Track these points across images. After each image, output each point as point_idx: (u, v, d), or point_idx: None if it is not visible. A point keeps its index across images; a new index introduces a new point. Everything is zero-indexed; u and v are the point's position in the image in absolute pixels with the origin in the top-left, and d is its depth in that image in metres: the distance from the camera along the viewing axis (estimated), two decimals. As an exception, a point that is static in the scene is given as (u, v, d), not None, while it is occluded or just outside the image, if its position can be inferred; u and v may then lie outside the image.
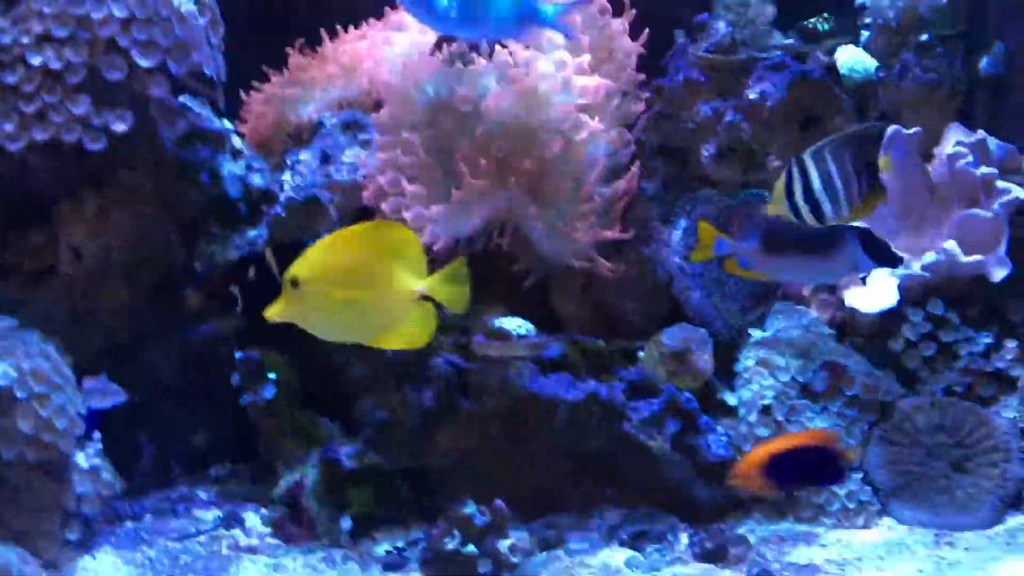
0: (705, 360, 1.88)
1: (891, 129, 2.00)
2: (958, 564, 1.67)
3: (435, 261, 1.82)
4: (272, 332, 1.98)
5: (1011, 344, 1.92)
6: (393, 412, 1.84)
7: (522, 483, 1.83)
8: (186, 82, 1.90)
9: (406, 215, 1.94)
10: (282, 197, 2.00)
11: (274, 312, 1.40)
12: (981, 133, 1.97)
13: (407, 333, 1.42)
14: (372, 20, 2.22)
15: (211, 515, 1.94)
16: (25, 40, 1.72)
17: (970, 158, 1.91)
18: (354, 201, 2.03)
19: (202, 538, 1.87)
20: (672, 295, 2.06)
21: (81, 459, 1.80)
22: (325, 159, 2.04)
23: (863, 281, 1.93)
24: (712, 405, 1.89)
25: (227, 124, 2.13)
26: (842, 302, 1.96)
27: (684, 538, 1.78)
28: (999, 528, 1.79)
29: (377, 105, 2.08)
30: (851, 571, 1.67)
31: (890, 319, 1.95)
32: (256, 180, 2.10)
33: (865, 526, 1.83)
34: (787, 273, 1.79)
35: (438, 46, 2.03)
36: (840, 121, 2.05)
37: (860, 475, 1.85)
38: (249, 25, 2.29)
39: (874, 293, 1.93)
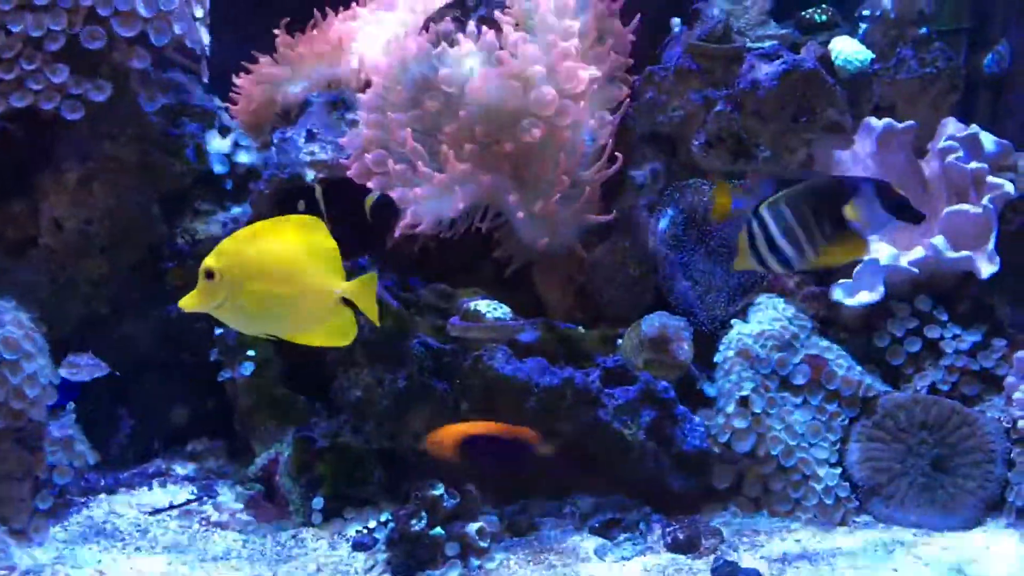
0: (684, 349, 1.86)
1: (883, 123, 1.98)
2: (936, 562, 1.64)
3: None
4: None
5: (999, 343, 1.89)
6: (367, 392, 1.82)
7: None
8: (170, 56, 1.89)
9: (391, 195, 1.93)
10: (266, 174, 2.00)
11: (188, 303, 1.36)
12: (974, 128, 1.94)
13: (331, 333, 1.41)
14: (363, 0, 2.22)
15: (186, 490, 1.94)
16: (6, 7, 1.72)
17: (960, 153, 1.88)
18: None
19: (174, 512, 1.87)
20: (657, 283, 2.04)
21: (54, 428, 1.80)
22: (311, 137, 2.03)
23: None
24: (690, 395, 1.86)
25: (216, 101, 2.13)
26: (827, 296, 1.93)
27: (657, 528, 1.75)
28: (979, 530, 1.76)
29: (366, 84, 2.08)
30: (823, 567, 1.65)
31: (876, 314, 1.92)
32: (243, 157, 2.10)
33: (842, 523, 1.80)
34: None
35: (426, 26, 2.02)
36: (833, 113, 2.02)
37: (839, 470, 1.83)
38: (242, 5, 2.29)
39: (860, 287, 1.90)
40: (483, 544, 1.68)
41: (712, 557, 1.67)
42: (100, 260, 1.95)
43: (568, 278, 2.09)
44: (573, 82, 1.93)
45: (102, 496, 1.90)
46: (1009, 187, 1.86)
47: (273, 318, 1.38)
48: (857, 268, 1.90)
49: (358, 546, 1.74)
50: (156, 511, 1.86)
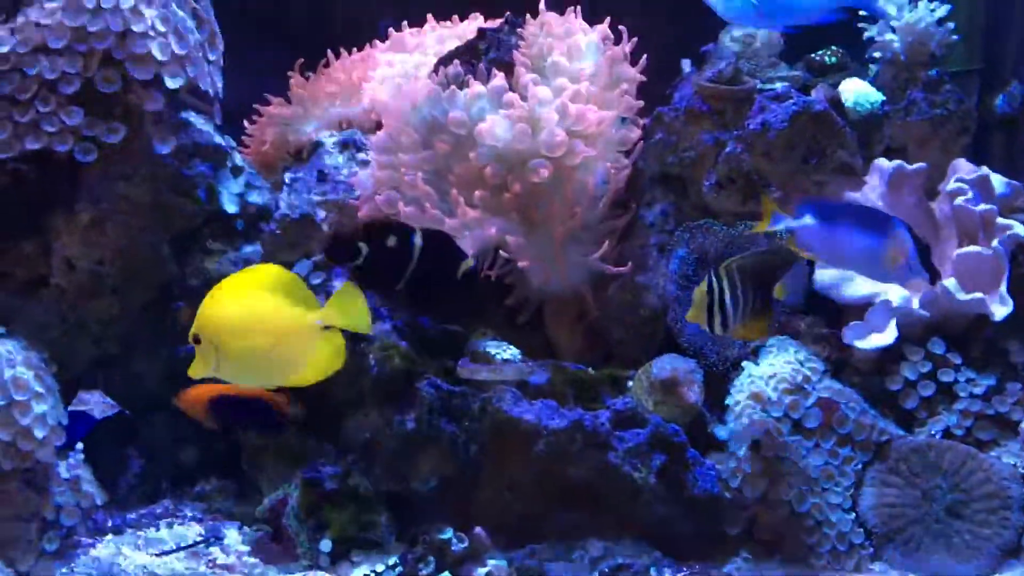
0: (695, 392, 1.84)
1: (894, 164, 1.97)
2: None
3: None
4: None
5: (1014, 387, 1.87)
6: (376, 434, 1.82)
7: (504, 511, 1.80)
8: (183, 98, 1.91)
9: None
10: (277, 214, 2.01)
11: (195, 371, 1.43)
12: (984, 170, 1.93)
13: (318, 364, 1.44)
14: (376, 42, 2.24)
15: (193, 531, 1.92)
16: (22, 50, 1.74)
17: (970, 195, 1.87)
18: (349, 220, 2.03)
19: (181, 554, 1.85)
20: (667, 324, 2.03)
21: (62, 469, 1.79)
22: (322, 177, 2.04)
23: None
24: (701, 437, 1.85)
25: (228, 141, 2.15)
26: (839, 338, 1.92)
27: (668, 574, 1.73)
28: (996, 577, 1.74)
29: (378, 125, 2.09)
30: (837, 615, 1.63)
31: (888, 357, 1.90)
32: (255, 197, 2.11)
33: (857, 569, 1.77)
34: (839, 253, 1.71)
35: (437, 69, 2.03)
36: (843, 154, 2.01)
37: (852, 516, 1.80)
38: (256, 44, 2.32)
39: (872, 330, 1.89)
40: (491, 589, 1.66)
41: (723, 604, 1.65)
42: (111, 300, 1.95)
43: (578, 318, 2.08)
44: (584, 124, 1.94)
45: (109, 537, 1.89)
46: (1019, 228, 1.85)
47: (265, 369, 1.42)
48: (869, 311, 1.89)
49: (365, 590, 1.73)
50: (163, 553, 1.85)
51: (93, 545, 1.85)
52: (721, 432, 1.86)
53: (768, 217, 1.68)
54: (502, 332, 1.99)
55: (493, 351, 1.81)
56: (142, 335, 2.00)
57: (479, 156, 1.90)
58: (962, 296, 1.82)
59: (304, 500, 1.83)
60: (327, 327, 1.44)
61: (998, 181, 1.95)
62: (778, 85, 2.11)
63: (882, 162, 2.00)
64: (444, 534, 1.66)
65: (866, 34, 2.19)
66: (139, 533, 1.91)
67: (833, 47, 2.25)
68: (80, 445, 1.85)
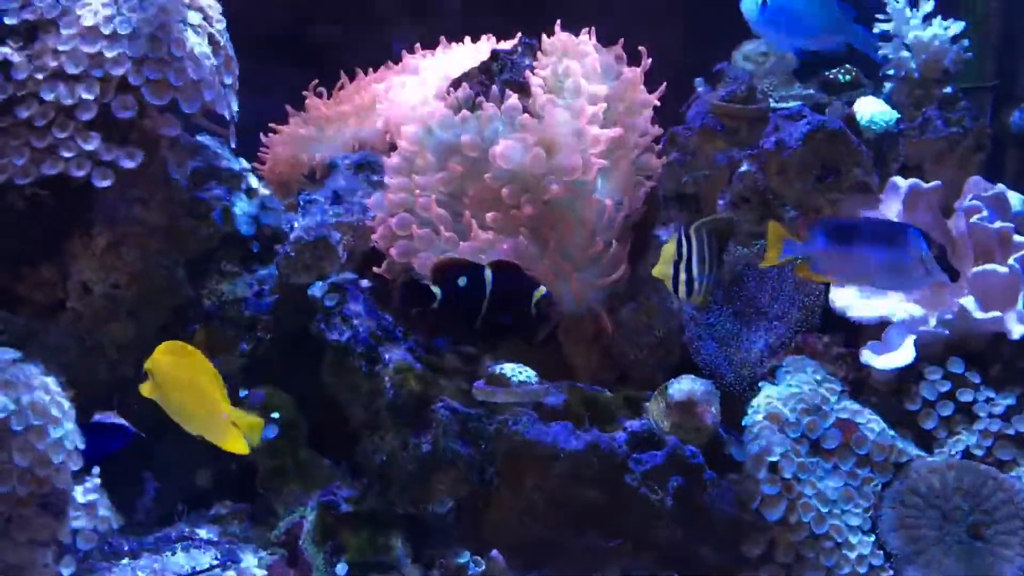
0: (712, 413, 1.83)
1: (909, 183, 1.96)
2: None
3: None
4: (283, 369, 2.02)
5: (1034, 406, 1.86)
6: (392, 456, 1.81)
7: (521, 533, 1.79)
8: (198, 121, 1.92)
9: (414, 261, 1.93)
10: (292, 236, 2.01)
11: (144, 390, 1.67)
12: (1000, 187, 1.92)
13: (230, 443, 1.65)
14: (390, 63, 2.25)
15: (209, 555, 1.92)
16: (39, 76, 1.75)
17: (985, 213, 1.86)
18: (363, 242, 2.03)
19: (198, 578, 1.85)
20: (683, 344, 2.02)
21: (78, 493, 1.79)
22: (336, 199, 2.04)
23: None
24: (718, 459, 1.83)
25: (243, 163, 2.16)
26: (857, 358, 1.91)
27: (686, 597, 1.72)
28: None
29: (392, 147, 2.09)
30: (858, 639, 1.61)
31: (907, 377, 1.89)
32: (269, 219, 2.12)
33: (877, 592, 1.76)
34: (858, 272, 1.72)
35: (449, 90, 2.03)
36: (859, 172, 2.01)
37: (872, 537, 1.79)
38: (273, 65, 2.33)
39: (890, 349, 1.87)
40: (508, 612, 1.65)
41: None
42: (127, 323, 1.96)
43: (593, 339, 2.08)
44: (600, 145, 1.94)
45: (125, 560, 1.88)
46: (1036, 246, 1.84)
47: (189, 421, 1.67)
48: (886, 330, 1.87)
49: (382, 614, 1.72)
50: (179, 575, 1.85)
51: (109, 569, 1.84)
52: (739, 453, 1.85)
53: (779, 246, 1.67)
54: (516, 353, 1.98)
55: (509, 373, 1.80)
56: (158, 358, 2.00)
57: (493, 178, 1.90)
58: (979, 315, 1.81)
59: (320, 523, 1.82)
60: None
61: (1014, 198, 1.94)
62: (792, 104, 2.11)
63: (898, 180, 1.99)
64: (461, 558, 1.66)
65: (880, 52, 2.19)
66: (155, 557, 1.91)
67: (847, 65, 2.24)
68: (96, 469, 1.85)
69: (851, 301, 1.92)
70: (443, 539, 1.79)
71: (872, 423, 1.85)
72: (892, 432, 1.85)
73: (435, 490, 1.80)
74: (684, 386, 1.84)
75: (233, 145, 2.06)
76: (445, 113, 1.93)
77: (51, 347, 1.90)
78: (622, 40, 2.08)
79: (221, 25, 2.01)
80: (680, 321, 2.03)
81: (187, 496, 2.05)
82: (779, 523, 1.79)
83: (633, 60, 2.08)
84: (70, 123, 1.77)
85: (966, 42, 2.15)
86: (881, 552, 1.78)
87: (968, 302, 1.81)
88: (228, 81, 1.95)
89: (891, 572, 1.78)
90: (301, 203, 2.08)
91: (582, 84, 1.98)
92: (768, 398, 1.86)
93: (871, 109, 2.07)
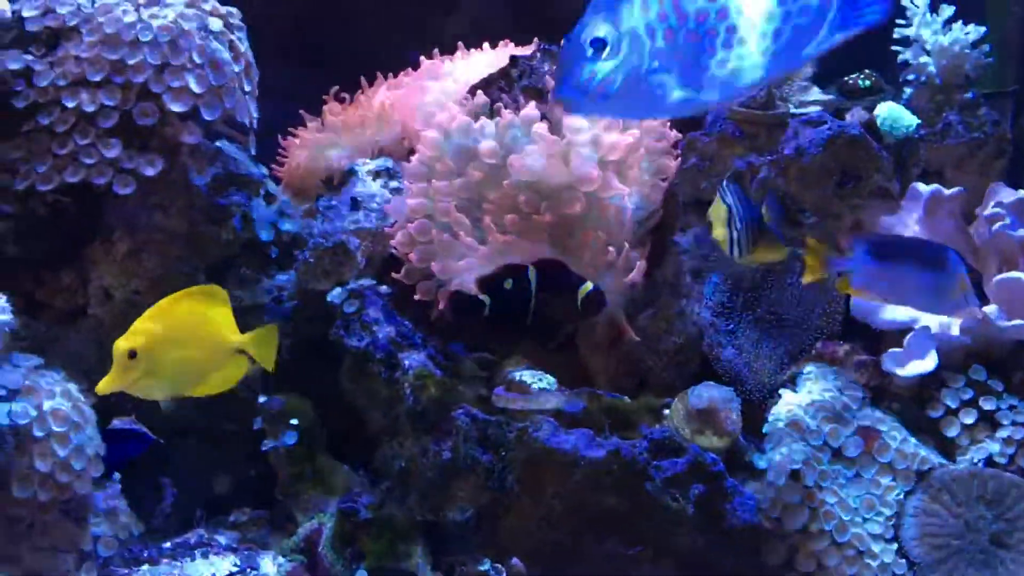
0: (732, 420, 1.82)
1: (931, 189, 1.95)
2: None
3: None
4: (299, 374, 2.02)
5: (1058, 414, 1.84)
6: (411, 463, 1.81)
7: (541, 541, 1.78)
8: (219, 128, 1.92)
9: (434, 266, 1.93)
10: (311, 242, 2.01)
11: (104, 386, 1.56)
12: (1022, 193, 1.91)
13: (216, 380, 1.61)
14: (409, 69, 2.25)
15: (228, 561, 1.92)
16: (61, 83, 1.75)
17: (1007, 220, 1.85)
18: (382, 248, 2.03)
19: (217, 585, 1.85)
20: (702, 351, 2.01)
21: (99, 500, 1.80)
22: (355, 205, 2.04)
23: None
24: (739, 467, 1.83)
25: (262, 169, 2.16)
26: (878, 365, 1.89)
27: (707, 606, 1.71)
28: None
29: (410, 152, 2.09)
30: (881, 649, 1.60)
31: (929, 384, 1.88)
32: (288, 225, 2.12)
33: (900, 602, 1.75)
34: (897, 291, 1.71)
35: (470, 96, 2.03)
36: (879, 178, 1.99)
37: (895, 546, 1.78)
38: (290, 70, 2.33)
39: (912, 357, 1.86)
40: (529, 621, 1.65)
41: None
42: (147, 329, 1.95)
43: (612, 345, 2.07)
44: (617, 152, 1.93)
45: (145, 567, 1.88)
46: (1061, 254, 1.82)
47: (181, 380, 1.59)
48: (908, 337, 1.86)
49: (402, 621, 1.72)
50: (199, 583, 1.85)
51: (130, 575, 1.85)
52: (760, 461, 1.84)
53: (822, 263, 1.67)
54: (535, 359, 1.98)
55: (529, 380, 1.80)
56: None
57: (512, 184, 1.90)
58: (1003, 323, 1.79)
59: (339, 529, 1.82)
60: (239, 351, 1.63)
61: (1037, 205, 1.92)
62: (812, 109, 2.09)
63: (919, 186, 1.98)
64: (482, 565, 1.65)
65: (900, 57, 2.18)
66: (175, 563, 1.91)
67: (866, 70, 2.23)
68: (116, 475, 1.85)
69: (872, 307, 1.91)
70: (463, 546, 1.79)
71: (894, 431, 1.83)
72: (914, 440, 1.84)
73: (455, 497, 1.79)
74: (705, 393, 1.83)
75: (253, 151, 2.06)
76: (464, 119, 1.93)
77: (72, 353, 1.91)
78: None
79: (241, 32, 2.01)
80: (699, 328, 2.02)
81: (206, 502, 2.05)
82: (800, 531, 1.78)
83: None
84: (91, 130, 1.78)
85: (987, 47, 2.14)
86: (904, 561, 1.77)
87: (991, 310, 1.80)
88: (248, 88, 1.95)
89: (914, 581, 1.76)
90: (320, 209, 2.08)
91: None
92: (789, 405, 1.85)
93: (892, 114, 2.06)
